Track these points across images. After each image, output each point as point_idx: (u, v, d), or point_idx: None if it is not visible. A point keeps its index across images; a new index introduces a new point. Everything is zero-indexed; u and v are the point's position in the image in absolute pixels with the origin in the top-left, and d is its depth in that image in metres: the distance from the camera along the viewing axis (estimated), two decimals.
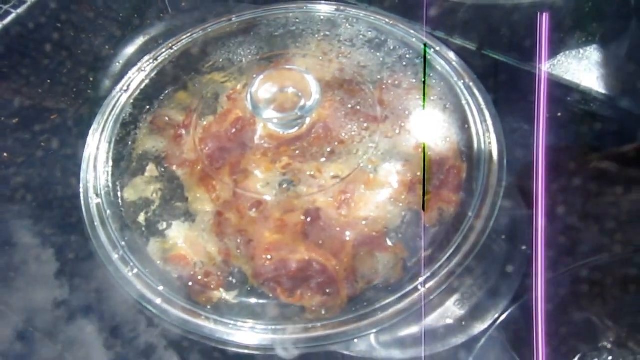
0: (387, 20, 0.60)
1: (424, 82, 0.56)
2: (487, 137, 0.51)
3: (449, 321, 0.47)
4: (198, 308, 0.46)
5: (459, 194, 0.50)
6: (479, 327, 0.46)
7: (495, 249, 0.49)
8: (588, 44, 0.67)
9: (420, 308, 0.45)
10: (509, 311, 0.47)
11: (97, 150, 0.54)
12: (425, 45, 0.58)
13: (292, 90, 0.50)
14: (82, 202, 0.51)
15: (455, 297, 0.47)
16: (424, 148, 0.52)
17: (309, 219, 0.47)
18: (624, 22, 0.68)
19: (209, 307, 0.46)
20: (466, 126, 0.52)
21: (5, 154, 0.64)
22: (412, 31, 0.59)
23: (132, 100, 0.57)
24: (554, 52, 0.65)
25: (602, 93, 0.62)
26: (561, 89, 0.61)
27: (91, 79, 0.70)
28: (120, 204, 0.52)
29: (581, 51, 0.66)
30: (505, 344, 0.47)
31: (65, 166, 0.62)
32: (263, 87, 0.50)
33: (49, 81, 0.70)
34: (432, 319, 0.47)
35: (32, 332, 0.53)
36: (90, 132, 0.55)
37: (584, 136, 0.61)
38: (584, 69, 0.64)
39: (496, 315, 0.46)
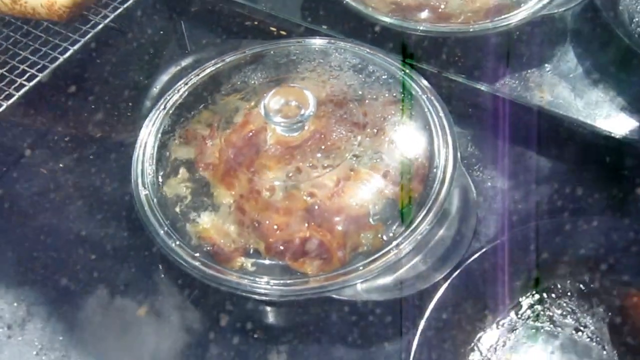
0: (368, 50, 0.66)
1: (398, 97, 0.63)
2: (444, 139, 0.59)
3: (416, 273, 0.54)
4: (226, 269, 0.53)
5: (424, 183, 0.57)
6: (438, 277, 0.53)
7: (449, 222, 0.56)
8: (530, 66, 0.75)
9: (393, 264, 0.53)
10: (463, 265, 0.54)
11: (143, 154, 0.60)
12: (401, 70, 0.64)
13: (294, 103, 0.57)
14: (134, 192, 0.58)
15: (420, 256, 0.54)
16: (397, 147, 0.59)
17: (308, 199, 0.54)
18: (560, 45, 0.78)
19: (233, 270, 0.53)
20: (427, 127, 0.60)
21: (61, 164, 0.71)
22: (388, 58, 0.65)
23: (169, 115, 0.63)
24: (501, 73, 0.73)
25: (538, 105, 0.69)
26: (508, 105, 0.68)
27: (130, 104, 0.76)
28: (162, 196, 0.58)
29: (523, 73, 0.73)
30: (459, 290, 0.53)
31: (115, 171, 0.70)
32: (273, 101, 0.57)
33: (93, 107, 0.76)
34: (402, 272, 0.54)
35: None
36: (138, 140, 0.61)
37: (528, 135, 0.69)
38: (526, 87, 0.72)
39: (451, 268, 0.53)
